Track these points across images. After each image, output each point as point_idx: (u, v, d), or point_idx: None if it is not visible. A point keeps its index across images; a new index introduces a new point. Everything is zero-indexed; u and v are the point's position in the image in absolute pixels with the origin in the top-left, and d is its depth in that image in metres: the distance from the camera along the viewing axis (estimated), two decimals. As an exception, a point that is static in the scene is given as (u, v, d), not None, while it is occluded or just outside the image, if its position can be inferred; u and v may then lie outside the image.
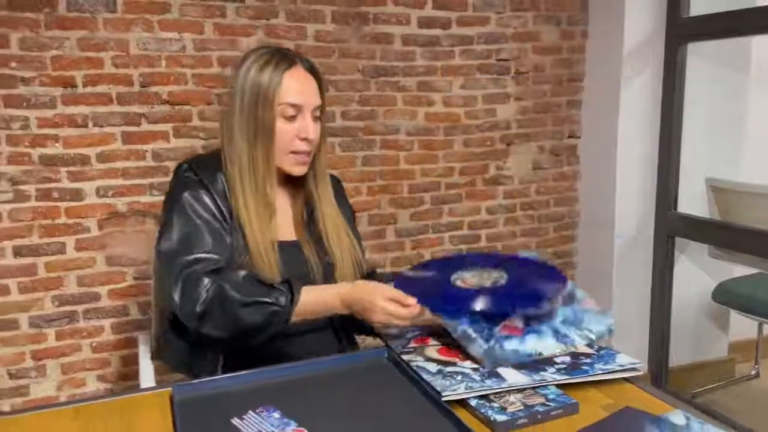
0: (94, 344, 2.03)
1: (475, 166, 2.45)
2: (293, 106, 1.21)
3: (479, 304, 1.05)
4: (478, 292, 1.10)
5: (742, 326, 2.65)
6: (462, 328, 1.04)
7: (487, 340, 1.02)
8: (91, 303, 2.01)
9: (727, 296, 2.33)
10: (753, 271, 2.39)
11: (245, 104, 1.20)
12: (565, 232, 2.63)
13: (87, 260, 1.99)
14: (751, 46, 2.48)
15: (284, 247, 1.25)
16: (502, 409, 0.89)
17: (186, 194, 1.19)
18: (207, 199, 1.20)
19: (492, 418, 0.87)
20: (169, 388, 0.99)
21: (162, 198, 2.01)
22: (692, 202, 2.41)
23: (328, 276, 1.29)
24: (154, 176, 2.03)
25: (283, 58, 1.22)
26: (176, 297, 1.12)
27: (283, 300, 1.10)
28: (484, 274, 1.18)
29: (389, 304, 1.07)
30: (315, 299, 1.14)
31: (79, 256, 1.98)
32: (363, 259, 1.37)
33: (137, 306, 2.06)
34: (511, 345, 1.02)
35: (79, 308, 2.00)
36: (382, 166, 2.31)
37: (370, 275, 1.40)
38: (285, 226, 1.30)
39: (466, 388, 0.93)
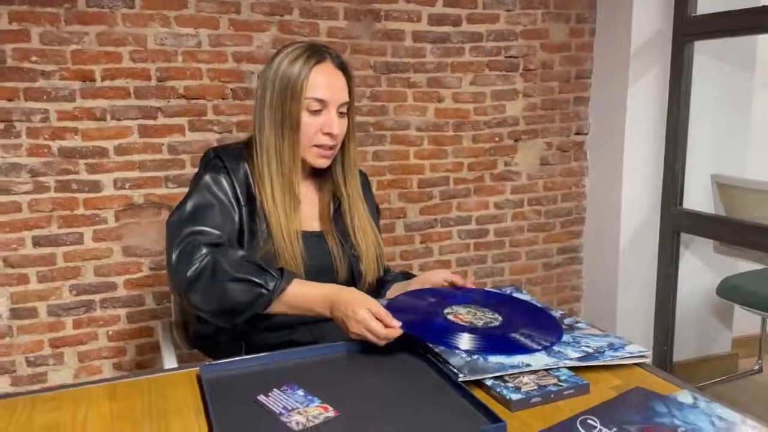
0: (110, 333, 2.08)
1: (483, 162, 2.48)
2: (319, 100, 1.23)
3: (465, 344, 1.04)
4: (467, 330, 1.09)
5: (746, 322, 2.68)
6: (443, 347, 1.04)
7: (469, 355, 1.01)
8: (108, 292, 2.06)
9: (731, 291, 2.36)
10: (758, 266, 2.42)
11: (275, 95, 1.23)
12: (571, 228, 2.67)
13: (104, 250, 2.04)
14: (756, 45, 2.51)
15: (308, 237, 1.28)
16: (517, 389, 0.93)
17: (207, 176, 1.23)
18: (225, 183, 1.24)
19: (507, 397, 0.91)
20: (195, 369, 1.03)
21: (177, 190, 2.07)
22: (698, 198, 2.44)
23: (354, 269, 1.32)
24: (170, 169, 2.07)
25: (314, 53, 1.24)
26: (173, 258, 1.13)
27: (271, 285, 1.11)
28: (478, 313, 1.17)
29: (372, 320, 1.05)
30: (301, 293, 1.13)
31: (97, 246, 2.03)
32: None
33: (152, 296, 2.11)
34: (496, 358, 1.01)
35: (96, 297, 2.05)
36: (392, 161, 2.35)
37: (385, 271, 1.43)
38: (310, 217, 1.33)
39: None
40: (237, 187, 1.24)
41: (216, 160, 1.26)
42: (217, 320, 1.16)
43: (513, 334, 1.09)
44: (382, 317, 1.05)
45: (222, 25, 2.06)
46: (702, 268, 2.55)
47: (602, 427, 0.80)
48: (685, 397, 0.89)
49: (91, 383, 1.00)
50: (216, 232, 1.18)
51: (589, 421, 0.82)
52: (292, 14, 2.13)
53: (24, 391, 0.99)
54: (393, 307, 1.14)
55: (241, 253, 1.17)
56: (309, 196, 1.34)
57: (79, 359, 2.06)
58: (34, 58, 1.89)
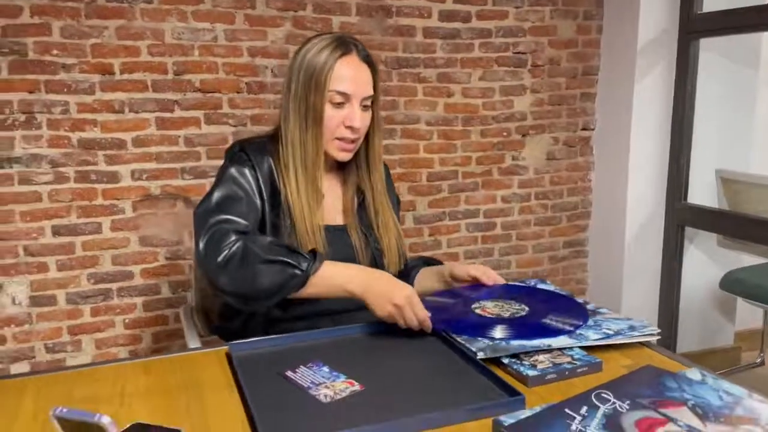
0: (126, 321, 2.13)
1: (491, 156, 2.53)
2: (341, 94, 1.23)
3: (497, 334, 1.07)
4: (496, 322, 1.12)
5: (748, 316, 2.73)
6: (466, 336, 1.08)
7: (491, 340, 1.05)
8: (125, 281, 2.11)
9: (734, 284, 2.40)
10: (761, 260, 2.46)
11: (299, 87, 1.24)
12: (577, 222, 2.71)
13: (121, 240, 2.08)
14: (761, 44, 2.55)
15: (331, 230, 1.29)
16: (533, 366, 0.97)
17: (232, 168, 1.25)
18: (250, 176, 1.25)
19: (524, 373, 0.95)
20: (223, 348, 1.08)
21: (193, 182, 2.12)
22: (702, 193, 2.48)
23: (377, 262, 1.33)
24: (186, 161, 2.11)
25: (340, 45, 1.24)
26: (201, 245, 1.14)
27: (305, 265, 1.11)
28: (504, 305, 1.20)
29: (419, 305, 1.10)
30: (333, 272, 1.14)
31: (114, 236, 2.07)
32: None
33: (168, 285, 2.15)
34: (517, 342, 1.04)
35: (114, 286, 2.10)
36: (402, 154, 2.40)
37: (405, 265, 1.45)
38: (334, 210, 1.33)
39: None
40: (261, 181, 1.26)
41: (241, 153, 1.27)
42: (250, 304, 1.16)
43: (542, 320, 1.12)
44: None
45: (237, 20, 2.11)
46: (706, 261, 2.59)
47: (616, 400, 0.84)
48: (693, 374, 0.93)
49: (124, 360, 1.05)
50: (243, 221, 1.19)
51: (603, 394, 0.86)
52: (305, 10, 2.18)
53: (59, 367, 1.04)
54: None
55: (269, 238, 1.19)
56: (333, 190, 1.34)
57: (96, 346, 2.10)
58: (55, 52, 1.94)
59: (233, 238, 1.14)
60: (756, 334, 2.79)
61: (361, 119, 1.25)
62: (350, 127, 1.25)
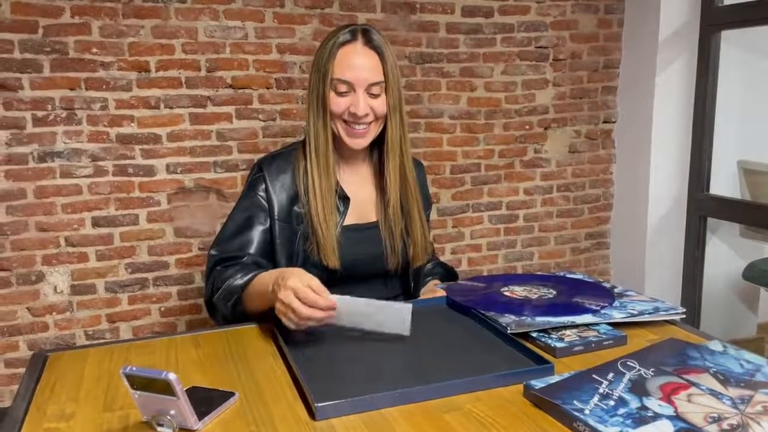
0: (162, 309, 2.21)
1: (514, 149, 2.57)
2: (344, 82, 1.24)
3: (524, 311, 1.12)
4: (523, 302, 1.18)
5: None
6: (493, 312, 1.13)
7: (517, 316, 1.10)
8: (160, 271, 2.19)
9: (757, 275, 2.42)
10: (783, 250, 2.47)
11: (312, 77, 1.29)
12: (599, 214, 2.74)
13: (157, 231, 2.16)
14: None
15: (360, 229, 1.33)
16: (560, 339, 1.02)
17: (244, 198, 1.33)
18: (259, 197, 1.30)
19: (552, 345, 1.00)
20: (265, 324, 1.15)
21: (224, 175, 2.19)
22: (724, 183, 2.50)
23: (407, 257, 1.36)
24: (218, 155, 2.19)
25: (344, 34, 1.25)
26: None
27: (239, 283, 1.20)
28: (533, 289, 1.25)
29: (304, 287, 1.00)
30: (257, 281, 1.17)
31: (150, 227, 2.16)
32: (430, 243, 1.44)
33: (201, 274, 2.23)
34: (542, 318, 1.09)
35: (150, 275, 2.18)
36: (426, 147, 2.45)
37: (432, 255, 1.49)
38: (366, 208, 1.36)
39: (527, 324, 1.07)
40: (273, 194, 1.29)
41: (258, 175, 1.32)
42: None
43: (568, 301, 1.17)
44: (316, 288, 1.01)
45: (267, 18, 2.18)
46: (728, 252, 2.61)
47: (641, 368, 0.89)
48: (715, 345, 0.97)
49: (175, 334, 1.12)
50: (239, 253, 1.29)
51: (629, 363, 0.91)
52: (332, 7, 2.24)
53: (116, 340, 1.11)
54: (452, 290, 1.24)
55: (236, 269, 1.25)
56: (365, 187, 1.37)
57: (134, 333, 2.19)
58: (94, 50, 2.02)
59: (213, 277, 1.28)
60: (780, 325, 2.80)
61: (363, 107, 1.25)
62: (354, 114, 1.25)
